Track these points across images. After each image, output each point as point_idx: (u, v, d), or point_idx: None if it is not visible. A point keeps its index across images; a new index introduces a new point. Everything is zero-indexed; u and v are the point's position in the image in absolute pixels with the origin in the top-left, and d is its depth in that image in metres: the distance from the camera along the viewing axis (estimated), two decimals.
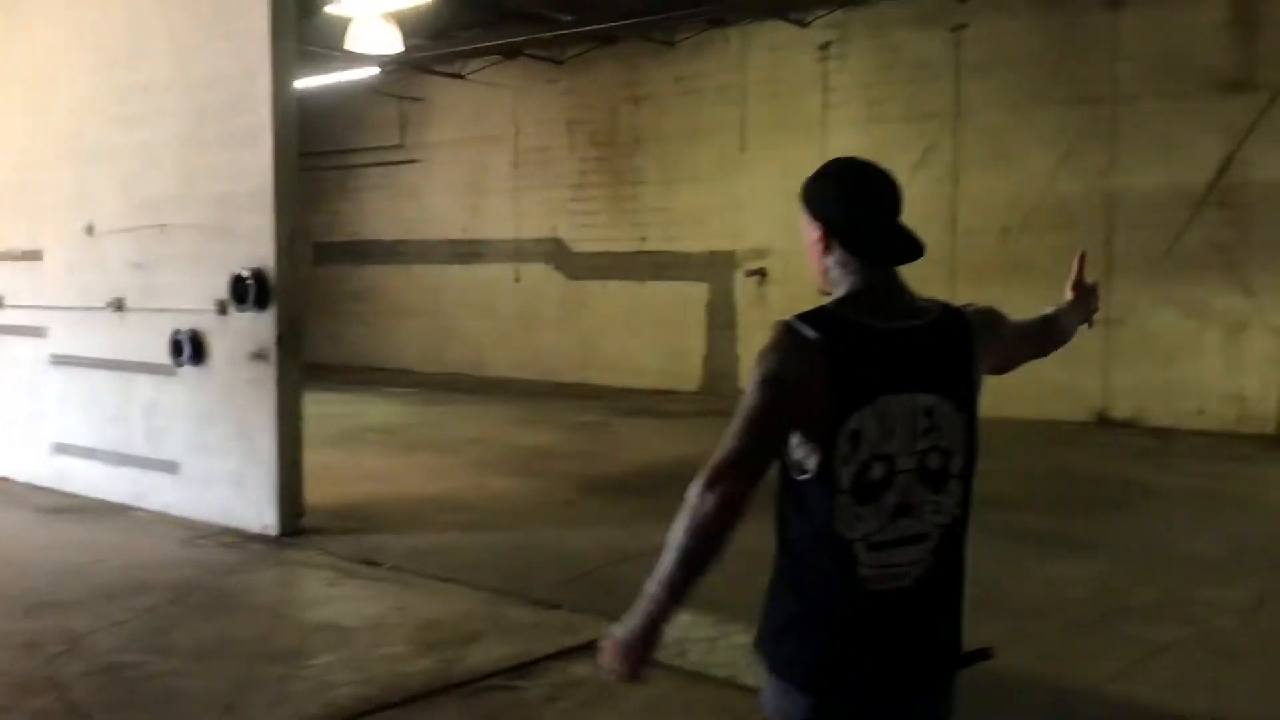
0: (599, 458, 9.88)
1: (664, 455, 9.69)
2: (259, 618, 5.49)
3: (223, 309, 7.07)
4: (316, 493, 7.77)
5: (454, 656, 4.82)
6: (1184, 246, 11.05)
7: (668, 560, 1.91)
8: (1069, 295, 2.58)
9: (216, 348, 7.19)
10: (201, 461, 7.33)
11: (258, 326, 6.92)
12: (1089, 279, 2.59)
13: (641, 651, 1.95)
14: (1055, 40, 11.75)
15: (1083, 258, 2.60)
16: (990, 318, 2.20)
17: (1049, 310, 2.53)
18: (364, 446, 10.40)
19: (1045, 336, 2.50)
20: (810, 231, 2.05)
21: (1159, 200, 11.16)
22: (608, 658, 1.98)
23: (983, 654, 2.08)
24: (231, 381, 7.11)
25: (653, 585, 1.93)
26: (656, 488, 8.18)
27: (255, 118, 6.88)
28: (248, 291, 6.86)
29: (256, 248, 6.90)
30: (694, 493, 1.89)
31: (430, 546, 6.71)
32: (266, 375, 6.89)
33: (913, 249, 2.00)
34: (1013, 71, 12.01)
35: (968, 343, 2.07)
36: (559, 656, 4.75)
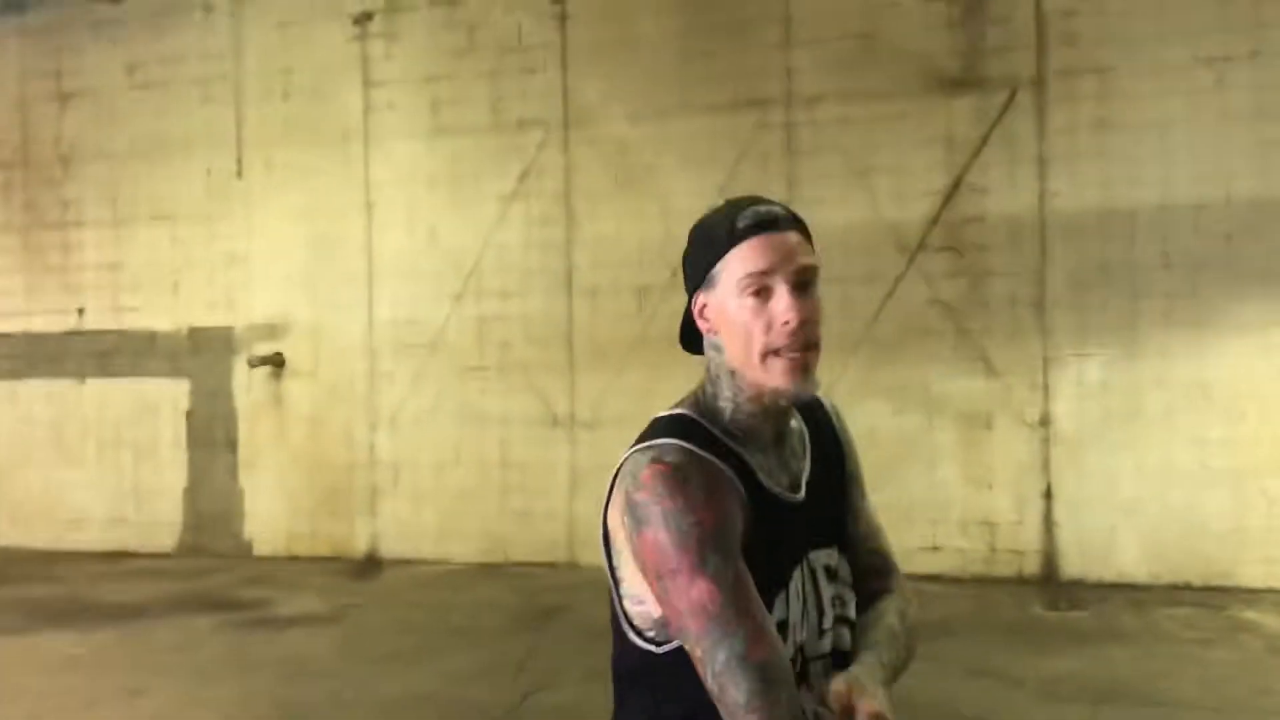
0: None
1: None
2: None
3: None
4: None
5: None
6: (896, 308, 7.72)
7: None
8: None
9: None
10: None
11: None
12: None
13: None
14: (703, 17, 8.14)
15: None
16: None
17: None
18: None
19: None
20: None
21: (857, 242, 7.77)
22: None
23: None
24: None
25: None
26: None
27: None
28: None
29: None
30: None
31: None
32: None
33: None
34: (646, 60, 8.24)
35: None
36: None
